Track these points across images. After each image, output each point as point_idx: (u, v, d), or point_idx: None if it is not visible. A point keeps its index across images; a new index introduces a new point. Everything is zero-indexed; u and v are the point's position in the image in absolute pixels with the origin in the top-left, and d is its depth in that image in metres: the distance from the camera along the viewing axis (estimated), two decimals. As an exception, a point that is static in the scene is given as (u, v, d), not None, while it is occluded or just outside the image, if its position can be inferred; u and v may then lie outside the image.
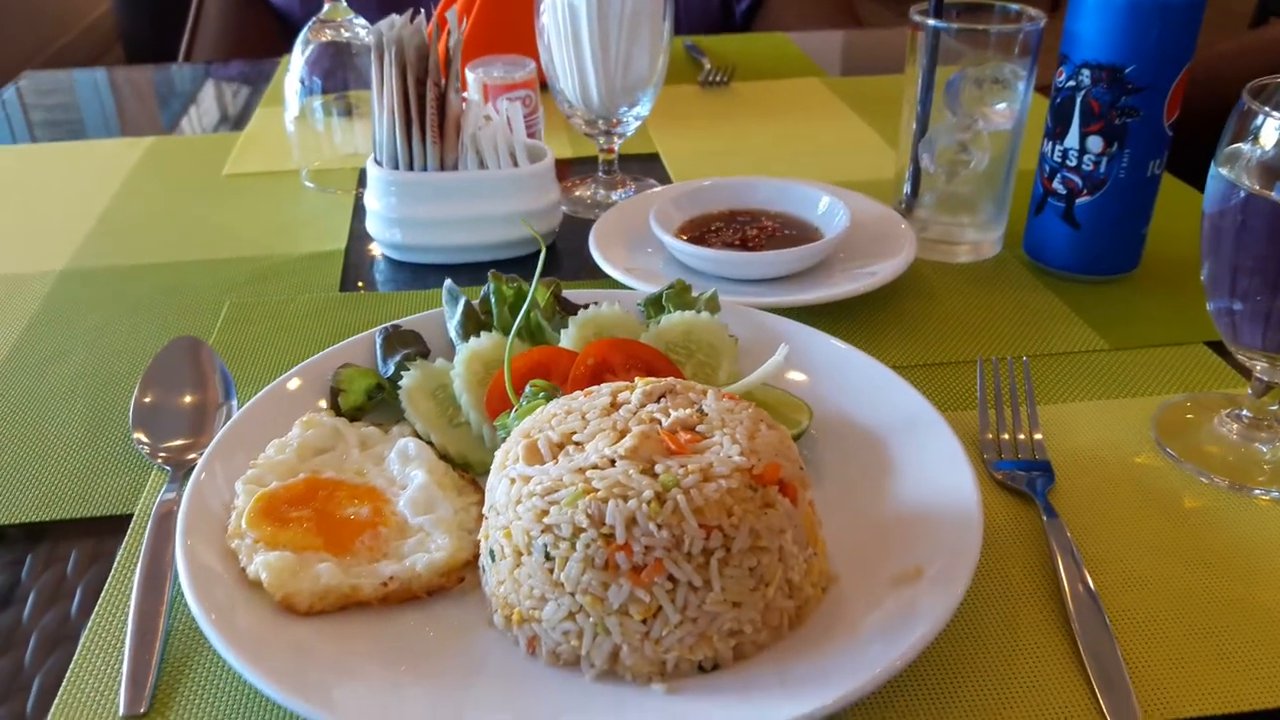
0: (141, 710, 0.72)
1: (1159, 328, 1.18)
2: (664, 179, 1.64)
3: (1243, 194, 0.86)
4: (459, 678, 0.71)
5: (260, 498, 0.82)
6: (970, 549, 0.75)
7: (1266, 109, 0.84)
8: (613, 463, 0.72)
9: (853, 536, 0.81)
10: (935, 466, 0.86)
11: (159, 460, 0.96)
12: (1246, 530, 0.88)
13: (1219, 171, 0.89)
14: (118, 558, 0.87)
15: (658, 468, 0.71)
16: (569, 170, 1.68)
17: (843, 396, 0.96)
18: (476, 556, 0.80)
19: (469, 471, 0.91)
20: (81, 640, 0.79)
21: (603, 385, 0.83)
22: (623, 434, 0.75)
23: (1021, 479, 0.93)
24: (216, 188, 1.67)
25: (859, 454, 0.90)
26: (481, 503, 0.86)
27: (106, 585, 0.84)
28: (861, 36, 2.57)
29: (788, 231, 1.29)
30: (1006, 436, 0.98)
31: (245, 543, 0.79)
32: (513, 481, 0.74)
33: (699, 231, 1.31)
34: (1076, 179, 1.22)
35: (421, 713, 0.68)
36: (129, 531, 0.90)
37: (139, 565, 0.83)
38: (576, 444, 0.76)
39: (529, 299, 0.94)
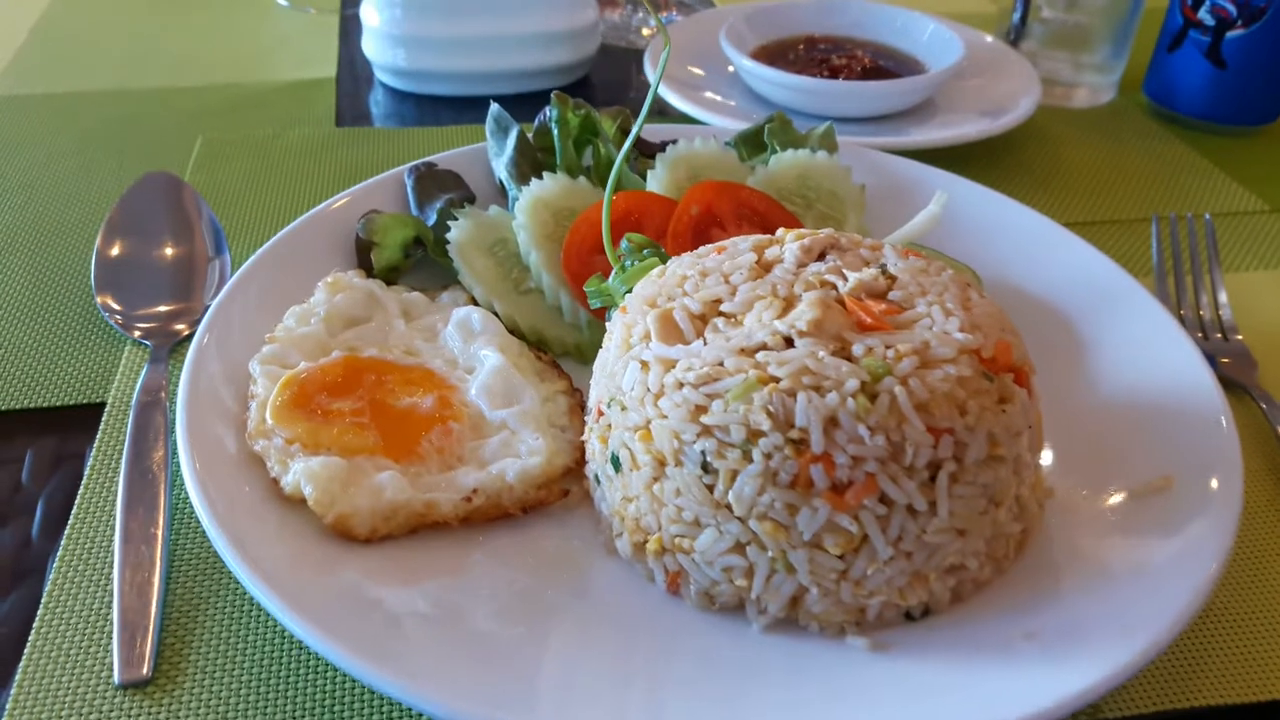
0: (144, 674, 0.53)
1: (1320, 186, 1.01)
2: (708, 3, 1.40)
3: None
4: (579, 624, 0.53)
5: (288, 382, 0.62)
6: (1228, 451, 0.59)
7: None
8: (789, 342, 0.53)
9: (1063, 437, 0.64)
10: (1145, 346, 0.68)
11: (136, 333, 0.74)
12: None
13: None
14: (90, 461, 0.66)
15: (855, 348, 0.52)
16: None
17: (1008, 259, 0.78)
18: (580, 462, 0.61)
19: (546, 350, 0.71)
20: (50, 574, 0.58)
21: (738, 239, 0.63)
22: (789, 302, 0.56)
23: (1220, 364, 0.75)
24: (170, 8, 1.38)
25: (1047, 331, 0.72)
26: (568, 391, 0.67)
27: (79, 498, 0.63)
28: None
29: (882, 62, 1.08)
30: (1185, 312, 0.81)
31: (274, 444, 0.59)
32: (646, 366, 0.55)
33: (775, 58, 1.09)
34: (1230, 6, 1.02)
35: (534, 675, 0.50)
36: (102, 425, 0.69)
37: (121, 472, 0.62)
38: (727, 316, 0.56)
39: (635, 130, 0.71)
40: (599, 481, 0.59)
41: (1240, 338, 0.79)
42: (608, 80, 1.20)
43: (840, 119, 1.02)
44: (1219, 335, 0.79)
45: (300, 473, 0.56)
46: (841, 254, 0.61)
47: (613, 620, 0.54)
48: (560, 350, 0.72)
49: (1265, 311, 0.83)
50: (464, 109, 1.11)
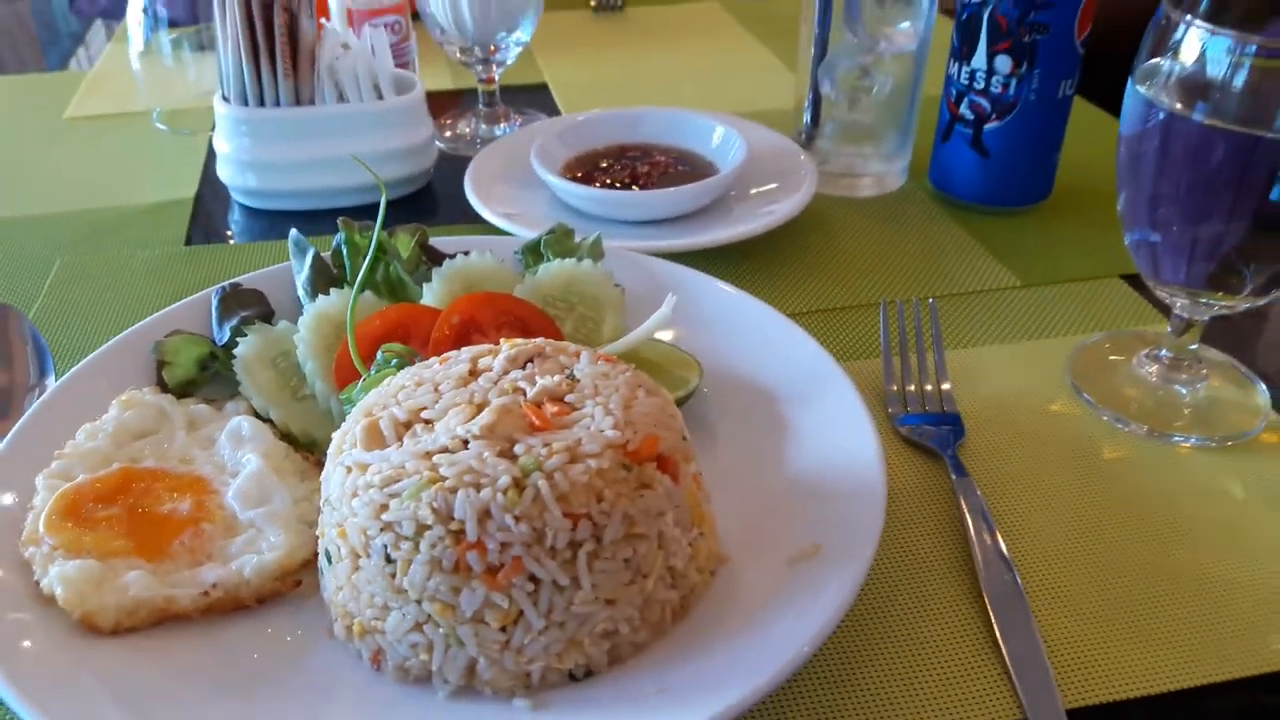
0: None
1: (1073, 261, 1.12)
2: (552, 111, 1.52)
3: (1161, 114, 0.78)
4: (293, 700, 0.62)
5: (62, 495, 0.70)
6: (871, 522, 0.67)
7: (1188, 18, 0.76)
8: (466, 444, 0.62)
9: (747, 510, 0.73)
10: (835, 427, 0.77)
11: (-46, 451, 0.83)
12: (1168, 482, 0.82)
13: (1136, 89, 0.81)
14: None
15: (518, 448, 0.62)
16: (449, 104, 1.55)
17: (737, 350, 0.87)
18: (317, 556, 0.70)
19: (315, 452, 0.80)
20: None
21: (463, 350, 0.73)
22: (480, 408, 0.65)
23: (929, 434, 0.85)
24: (55, 132, 1.50)
25: (755, 415, 0.82)
26: (328, 488, 0.76)
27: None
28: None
29: (681, 167, 1.19)
30: (913, 388, 0.91)
31: (41, 551, 0.67)
32: (348, 470, 0.64)
33: (587, 169, 1.20)
34: (984, 102, 1.14)
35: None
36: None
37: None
38: (426, 422, 0.65)
39: (373, 247, 0.82)
40: (322, 573, 0.68)
41: (957, 410, 0.88)
42: (448, 190, 1.30)
43: (642, 222, 1.13)
44: (939, 409, 0.89)
45: (54, 576, 0.64)
46: (543, 361, 0.70)
47: (325, 693, 0.62)
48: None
49: (991, 382, 0.93)
50: (313, 221, 1.21)
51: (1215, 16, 0.79)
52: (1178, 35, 0.77)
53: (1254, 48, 0.73)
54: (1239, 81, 0.75)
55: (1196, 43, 0.76)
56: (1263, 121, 0.74)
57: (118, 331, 0.93)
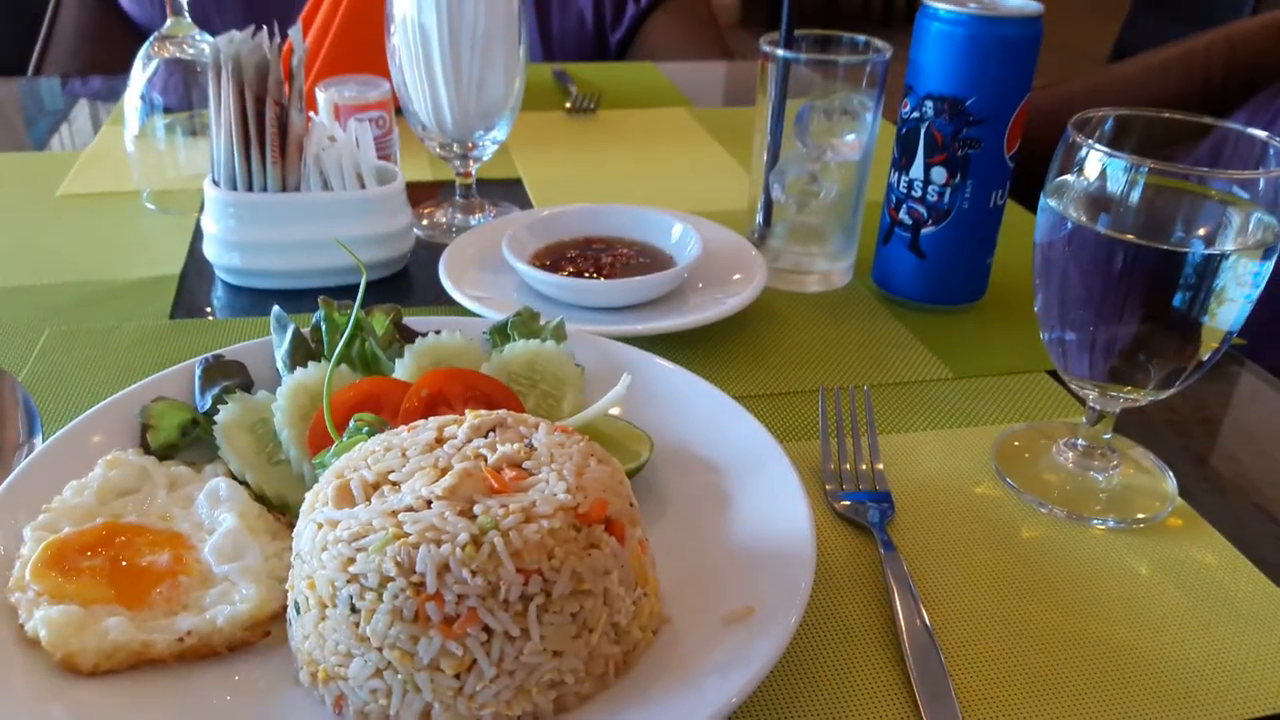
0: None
1: (1002, 356, 1.20)
2: (525, 204, 1.61)
3: (1069, 225, 0.87)
4: (254, 740, 0.66)
5: (49, 545, 0.75)
6: (800, 587, 0.74)
7: (1089, 141, 0.85)
8: (429, 504, 0.68)
9: (689, 574, 0.79)
10: (772, 500, 0.84)
11: (-57, 505, 0.88)
12: (1082, 560, 0.89)
13: (1047, 203, 0.90)
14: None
15: (476, 508, 0.68)
16: (428, 194, 1.63)
17: (686, 427, 0.94)
18: (286, 608, 0.75)
19: (287, 513, 0.86)
20: None
21: (429, 419, 0.79)
22: (444, 472, 0.71)
23: (862, 511, 0.92)
24: (48, 208, 1.57)
25: (700, 487, 0.88)
26: (299, 547, 0.81)
27: None
28: (728, 67, 2.59)
29: (642, 259, 1.27)
30: (849, 467, 0.98)
31: (27, 596, 0.72)
32: (319, 527, 0.69)
33: (554, 258, 1.28)
34: (921, 209, 1.23)
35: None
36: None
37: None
38: (393, 484, 0.71)
39: (351, 324, 0.89)
40: (290, 623, 0.72)
41: (889, 490, 0.95)
42: (424, 274, 1.37)
43: (603, 309, 1.20)
44: (872, 488, 0.95)
45: (39, 619, 0.69)
46: (504, 430, 0.77)
47: (286, 736, 0.67)
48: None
49: (921, 465, 1.00)
50: (293, 299, 1.28)
51: (1116, 139, 0.89)
52: (1081, 155, 0.86)
53: (1147, 168, 0.83)
54: (1135, 198, 0.84)
55: (1097, 163, 0.85)
56: (1157, 234, 0.84)
57: (102, 397, 0.99)
